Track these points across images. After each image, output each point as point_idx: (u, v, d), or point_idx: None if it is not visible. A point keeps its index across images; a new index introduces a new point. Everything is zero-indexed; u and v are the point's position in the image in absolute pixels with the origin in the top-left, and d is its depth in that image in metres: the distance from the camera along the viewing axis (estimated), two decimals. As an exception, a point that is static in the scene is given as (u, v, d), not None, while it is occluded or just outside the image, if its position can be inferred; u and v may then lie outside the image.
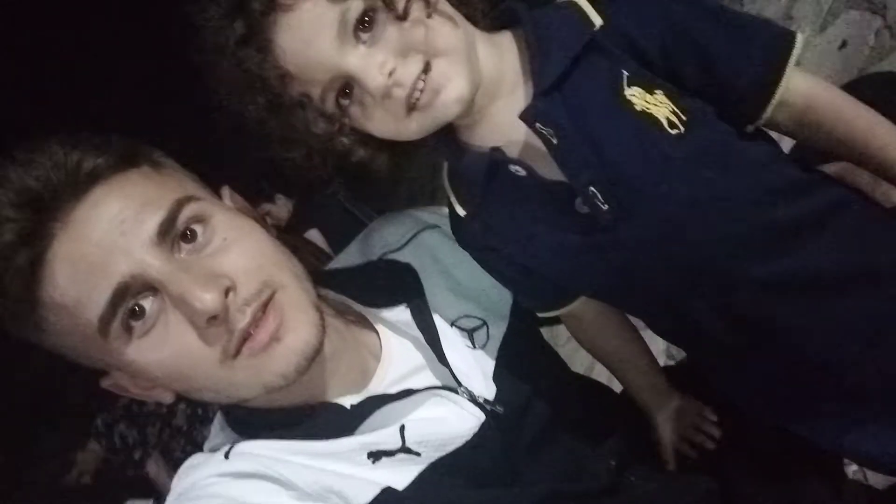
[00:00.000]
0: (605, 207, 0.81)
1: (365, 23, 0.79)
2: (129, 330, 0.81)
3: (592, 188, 0.81)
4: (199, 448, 0.94)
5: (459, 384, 0.96)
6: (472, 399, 0.95)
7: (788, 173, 0.86)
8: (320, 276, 1.08)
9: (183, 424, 3.29)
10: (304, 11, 0.78)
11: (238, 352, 0.83)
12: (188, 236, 0.84)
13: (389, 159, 0.88)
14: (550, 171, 0.84)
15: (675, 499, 1.01)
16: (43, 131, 0.84)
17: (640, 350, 1.05)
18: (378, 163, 0.88)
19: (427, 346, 0.99)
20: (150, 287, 0.81)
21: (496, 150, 0.86)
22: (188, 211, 0.84)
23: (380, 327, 1.05)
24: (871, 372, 0.85)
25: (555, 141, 0.81)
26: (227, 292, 0.81)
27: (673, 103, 0.81)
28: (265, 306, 0.84)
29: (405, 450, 0.89)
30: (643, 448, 1.06)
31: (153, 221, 0.81)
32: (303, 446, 0.88)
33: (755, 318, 0.84)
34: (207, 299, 0.79)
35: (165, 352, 0.82)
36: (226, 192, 0.97)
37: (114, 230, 0.80)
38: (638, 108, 0.81)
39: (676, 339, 1.00)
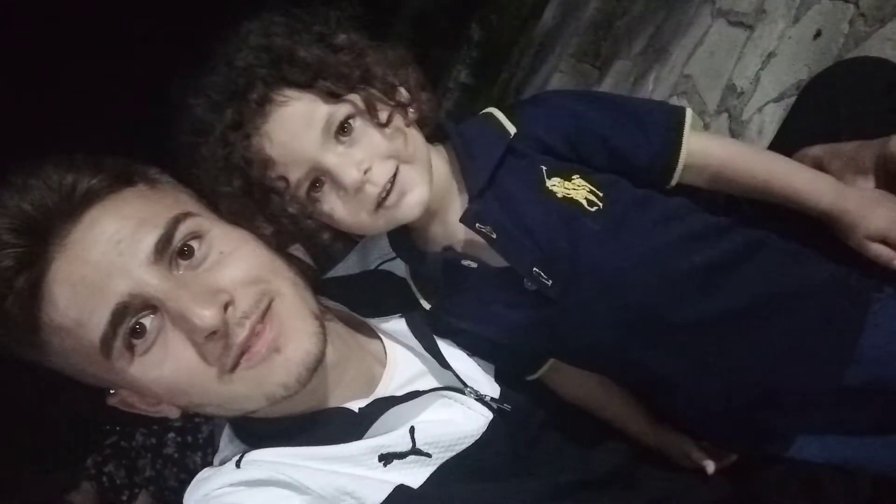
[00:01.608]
0: (550, 283, 0.91)
1: (345, 127, 0.88)
2: (131, 348, 0.81)
3: (536, 269, 0.91)
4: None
5: (465, 385, 0.97)
6: (480, 399, 0.96)
7: (704, 219, 0.95)
8: (320, 285, 1.08)
9: (174, 453, 3.28)
10: (295, 108, 0.87)
11: (236, 365, 0.83)
12: (185, 252, 0.84)
13: (346, 243, 0.97)
14: (497, 260, 0.94)
15: (683, 494, 1.02)
16: (42, 150, 0.84)
17: (618, 398, 1.07)
18: (337, 247, 0.96)
19: (427, 353, 1.00)
20: (150, 305, 0.81)
21: (448, 248, 0.97)
22: (185, 228, 0.84)
23: (382, 334, 1.05)
24: (802, 385, 0.91)
25: (494, 236, 0.92)
26: (226, 307, 0.81)
27: (589, 184, 0.93)
28: (263, 316, 0.84)
29: (416, 451, 0.89)
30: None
31: (150, 240, 0.81)
32: (313, 451, 0.88)
33: (693, 355, 0.92)
34: (207, 316, 0.79)
35: (165, 369, 0.82)
36: None
37: (111, 250, 0.80)
38: (559, 195, 0.92)
39: (630, 386, 1.06)
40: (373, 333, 1.05)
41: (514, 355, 1.02)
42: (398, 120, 0.92)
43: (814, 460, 0.94)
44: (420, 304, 1.04)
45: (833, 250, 0.93)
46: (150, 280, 0.80)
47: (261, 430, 0.91)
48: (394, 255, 1.13)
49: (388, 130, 0.90)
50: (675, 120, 0.95)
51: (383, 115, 0.89)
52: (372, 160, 0.88)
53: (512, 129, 0.95)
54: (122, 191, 0.85)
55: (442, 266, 0.97)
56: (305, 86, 0.87)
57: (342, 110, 0.88)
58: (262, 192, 0.88)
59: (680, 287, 0.90)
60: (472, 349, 1.03)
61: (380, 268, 1.14)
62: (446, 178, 0.97)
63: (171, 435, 3.27)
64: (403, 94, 0.94)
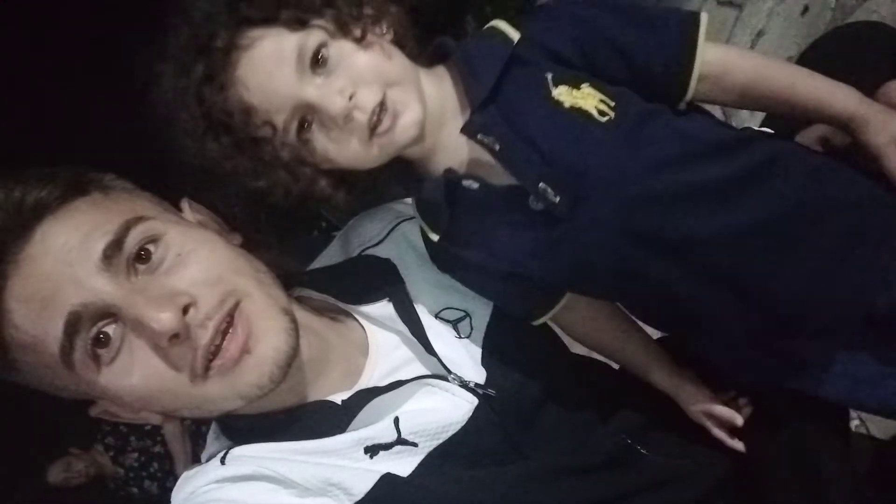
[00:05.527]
0: (558, 199, 0.86)
1: (320, 56, 0.84)
2: (96, 358, 0.80)
3: (542, 184, 0.86)
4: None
5: (449, 372, 0.96)
6: (464, 385, 0.95)
7: (719, 134, 0.91)
8: (301, 277, 1.08)
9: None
10: (263, 48, 0.83)
11: (207, 368, 0.81)
12: (143, 257, 0.82)
13: (348, 193, 0.93)
14: (500, 177, 0.90)
15: (687, 475, 1.01)
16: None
17: (636, 338, 1.05)
18: (338, 197, 0.92)
19: (413, 338, 0.99)
20: (109, 313, 0.80)
21: (448, 170, 0.92)
22: (137, 232, 0.82)
23: (365, 323, 1.04)
24: (828, 310, 0.88)
25: (497, 147, 0.88)
26: (186, 309, 0.80)
27: (600, 92, 0.88)
28: (230, 317, 0.82)
29: (401, 441, 0.89)
30: (657, 422, 1.04)
31: (99, 246, 0.80)
32: (298, 446, 0.88)
33: (715, 273, 0.88)
34: (164, 319, 0.77)
35: (134, 377, 0.81)
36: (185, 204, 0.96)
37: (61, 261, 0.78)
38: (567, 104, 0.87)
39: (651, 315, 1.03)
40: (355, 323, 1.04)
41: (524, 291, 0.98)
42: (374, 36, 0.88)
43: (844, 398, 0.92)
44: (405, 289, 1.03)
45: (858, 168, 0.90)
46: (103, 287, 0.79)
47: (245, 426, 0.91)
48: (377, 240, 1.12)
49: (367, 50, 0.86)
50: (689, 25, 0.90)
51: (357, 31, 0.86)
52: (356, 85, 0.85)
53: (516, 36, 0.91)
54: (75, 201, 0.83)
55: (444, 191, 0.92)
56: (268, 21, 0.83)
57: (313, 38, 0.84)
58: (252, 144, 0.86)
59: (697, 200, 0.86)
60: (481, 286, 1.01)
61: (363, 254, 1.12)
62: (447, 99, 0.93)
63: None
64: (371, 8, 0.90)
